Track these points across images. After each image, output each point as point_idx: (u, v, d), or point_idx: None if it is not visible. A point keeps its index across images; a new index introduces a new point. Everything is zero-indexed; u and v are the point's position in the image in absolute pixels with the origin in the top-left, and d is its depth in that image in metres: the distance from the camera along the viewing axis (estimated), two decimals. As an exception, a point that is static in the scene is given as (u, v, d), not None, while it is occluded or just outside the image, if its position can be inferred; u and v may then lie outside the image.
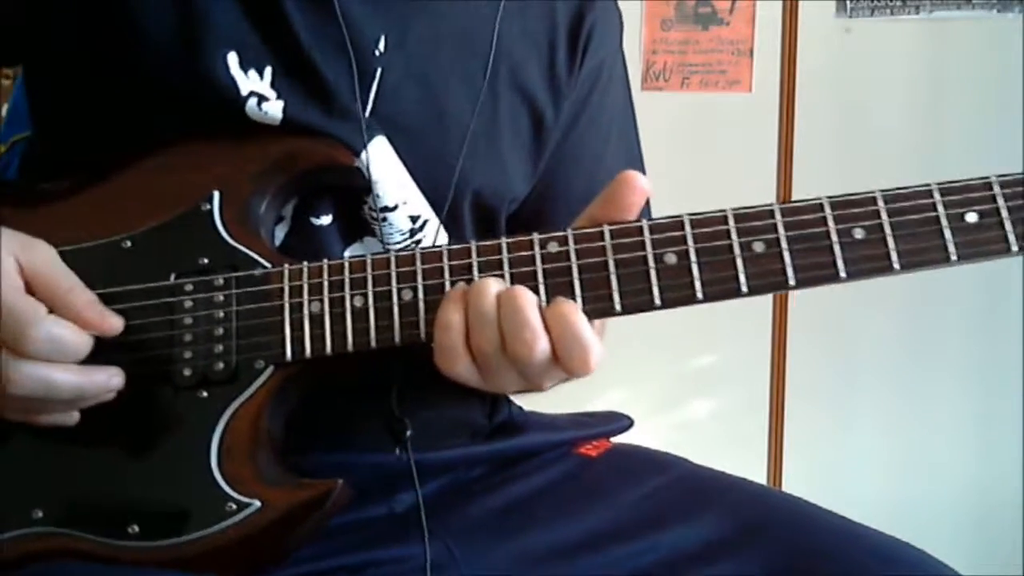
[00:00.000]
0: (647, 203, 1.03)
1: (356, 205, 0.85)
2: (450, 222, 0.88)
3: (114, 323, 0.75)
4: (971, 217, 0.71)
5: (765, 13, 2.41)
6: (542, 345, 0.69)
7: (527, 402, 1.05)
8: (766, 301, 2.46)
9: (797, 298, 2.45)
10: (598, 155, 0.99)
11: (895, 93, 2.41)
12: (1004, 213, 0.70)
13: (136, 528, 0.74)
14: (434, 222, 0.87)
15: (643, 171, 1.03)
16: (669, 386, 2.51)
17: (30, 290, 0.72)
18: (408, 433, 0.81)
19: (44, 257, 0.74)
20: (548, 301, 0.72)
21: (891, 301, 2.45)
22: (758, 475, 2.46)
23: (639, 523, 0.85)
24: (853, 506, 0.90)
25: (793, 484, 2.48)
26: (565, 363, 0.70)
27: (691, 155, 2.40)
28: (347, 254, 0.86)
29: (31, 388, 0.71)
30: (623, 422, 1.01)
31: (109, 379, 0.74)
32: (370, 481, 0.84)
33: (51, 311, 0.72)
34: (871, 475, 2.50)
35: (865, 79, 2.41)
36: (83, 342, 0.73)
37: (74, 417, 0.75)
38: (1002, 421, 2.42)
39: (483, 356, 0.71)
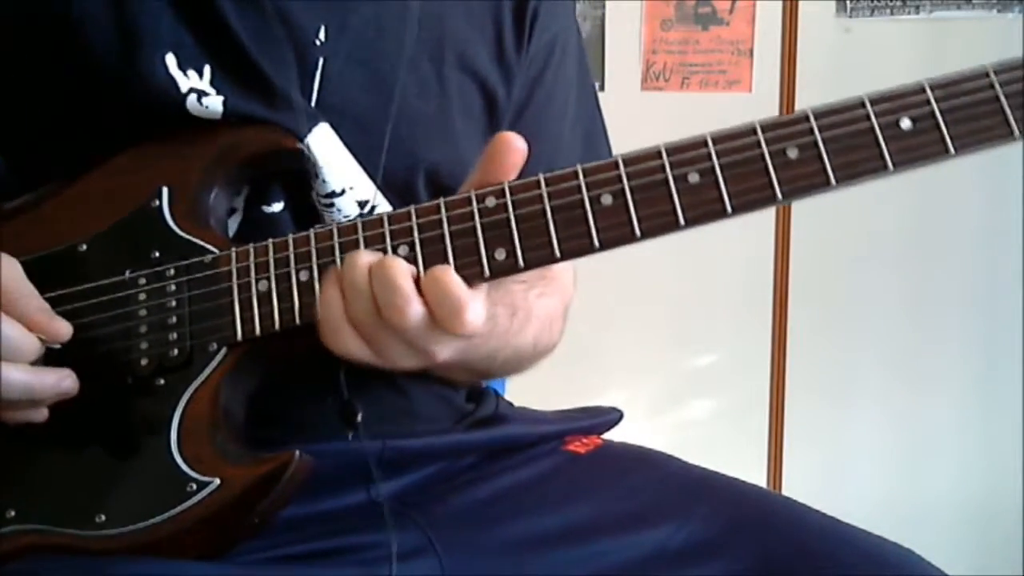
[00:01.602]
0: None
1: (306, 192, 0.86)
2: (403, 205, 0.89)
3: (60, 328, 0.76)
4: (905, 123, 0.69)
5: (765, 13, 2.41)
6: (414, 308, 0.71)
7: (518, 398, 1.05)
8: (766, 300, 2.47)
9: (798, 297, 2.45)
10: (556, 132, 1.00)
11: (895, 93, 2.40)
12: (938, 116, 0.69)
13: (103, 517, 0.75)
14: (383, 207, 0.87)
15: (607, 146, 1.05)
16: (669, 386, 2.51)
17: None
18: (359, 417, 0.81)
19: (6, 271, 0.75)
20: (490, 254, 0.73)
21: (892, 301, 2.45)
22: (758, 475, 2.46)
23: (625, 518, 0.85)
24: (853, 506, 0.90)
25: (793, 484, 2.47)
26: (442, 323, 0.71)
27: (691, 155, 2.39)
28: None
29: None
30: (612, 415, 1.01)
31: (60, 381, 0.75)
32: (348, 468, 0.85)
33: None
34: (872, 475, 2.49)
35: (865, 79, 2.38)
36: (31, 342, 0.74)
37: (42, 413, 0.76)
38: (1003, 420, 2.41)
39: (362, 327, 0.72)
